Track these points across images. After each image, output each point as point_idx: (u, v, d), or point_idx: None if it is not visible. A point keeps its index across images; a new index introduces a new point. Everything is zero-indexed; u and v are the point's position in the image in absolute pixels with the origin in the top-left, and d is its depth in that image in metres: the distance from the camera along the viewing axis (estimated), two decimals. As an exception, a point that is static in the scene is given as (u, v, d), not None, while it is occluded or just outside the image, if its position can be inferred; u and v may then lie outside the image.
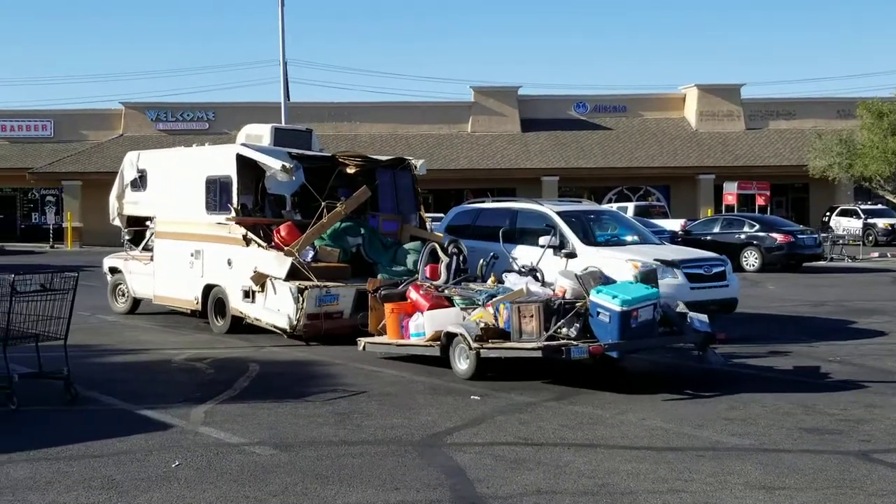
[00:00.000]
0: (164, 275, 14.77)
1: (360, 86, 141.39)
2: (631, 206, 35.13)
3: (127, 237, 16.39)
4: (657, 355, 11.44)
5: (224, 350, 12.20)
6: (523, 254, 12.88)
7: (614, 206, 25.04)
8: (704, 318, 10.16)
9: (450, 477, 6.41)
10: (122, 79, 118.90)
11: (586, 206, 17.18)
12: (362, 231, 13.76)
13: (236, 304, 13.33)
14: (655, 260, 12.66)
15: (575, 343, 9.15)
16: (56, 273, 8.97)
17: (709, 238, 25.80)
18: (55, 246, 41.26)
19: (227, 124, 46.50)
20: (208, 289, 13.89)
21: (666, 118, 48.50)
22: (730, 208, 36.48)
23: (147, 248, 15.63)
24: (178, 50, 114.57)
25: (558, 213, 13.84)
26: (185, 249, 14.20)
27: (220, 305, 13.77)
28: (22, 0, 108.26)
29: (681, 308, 10.13)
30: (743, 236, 26.07)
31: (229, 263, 13.37)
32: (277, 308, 12.60)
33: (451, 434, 7.62)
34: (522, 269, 11.24)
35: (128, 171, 15.89)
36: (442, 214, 37.61)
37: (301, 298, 12.22)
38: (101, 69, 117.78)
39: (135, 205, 15.86)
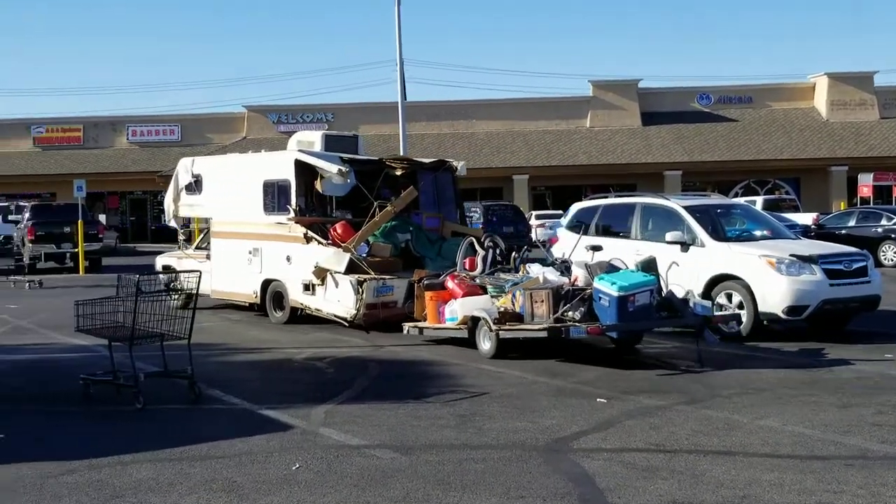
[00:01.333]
0: (222, 271, 15.66)
1: (476, 83, 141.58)
2: (759, 199, 33.83)
3: (182, 237, 17.52)
4: (792, 359, 10.83)
5: (343, 349, 12.14)
6: (647, 250, 12.41)
7: (742, 200, 24.10)
8: (707, 303, 11.19)
9: (578, 485, 6.07)
10: (245, 83, 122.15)
11: (715, 199, 16.49)
12: (410, 228, 14.79)
13: (296, 296, 14.31)
14: (791, 255, 12.00)
15: (576, 324, 10.20)
16: (180, 273, 9.03)
17: (844, 232, 24.56)
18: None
19: (345, 125, 47.09)
20: (266, 283, 14.91)
21: (795, 108, 46.70)
22: (865, 201, 34.79)
23: (199, 248, 16.76)
24: (298, 53, 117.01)
25: (685, 208, 13.27)
26: (243, 248, 15.21)
27: (279, 298, 14.78)
28: (155, 14, 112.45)
29: (690, 296, 11.05)
30: (881, 230, 24.72)
31: (288, 259, 14.40)
32: (338, 299, 13.55)
33: (577, 439, 7.27)
34: (556, 261, 12.21)
35: (182, 176, 16.72)
36: (560, 211, 37.27)
37: (361, 290, 13.17)
38: (225, 74, 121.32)
39: (190, 207, 16.91)
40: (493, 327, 10.87)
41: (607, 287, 10.20)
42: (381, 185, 15.27)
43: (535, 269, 11.72)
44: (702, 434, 7.33)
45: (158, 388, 9.12)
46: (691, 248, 12.71)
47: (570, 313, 10.42)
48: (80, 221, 27.42)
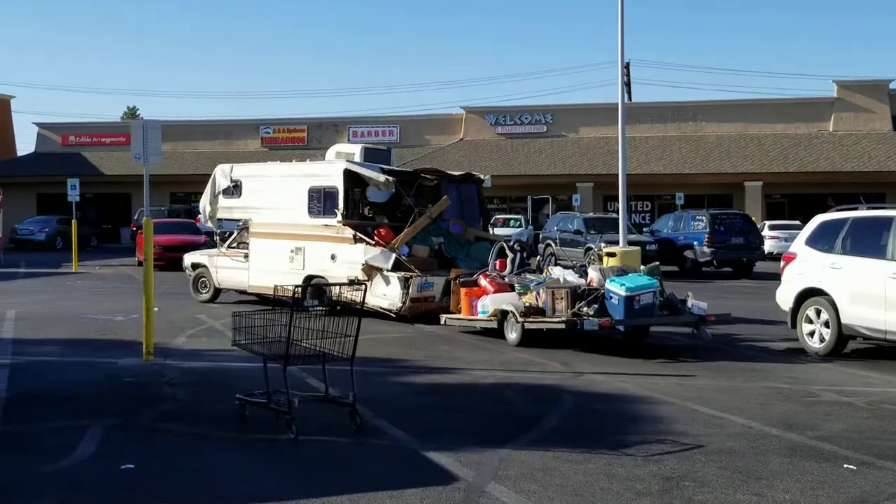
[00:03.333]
0: (261, 268, 17.03)
1: (706, 84, 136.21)
2: None
3: (219, 238, 19.18)
4: None
5: (537, 374, 10.68)
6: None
7: None
8: (704, 304, 12.71)
9: None
10: (464, 85, 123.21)
11: None
12: (442, 233, 16.54)
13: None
14: None
15: (590, 318, 11.85)
16: (342, 286, 7.92)
17: None
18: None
19: (564, 126, 45.64)
20: (309, 279, 16.07)
21: None
22: None
23: (230, 247, 18.17)
24: (517, 55, 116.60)
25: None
26: (285, 247, 16.65)
27: (320, 293, 15.40)
28: (377, 18, 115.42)
29: (688, 297, 12.69)
30: None
31: (333, 258, 15.97)
32: (384, 294, 15.21)
33: (820, 529, 5.49)
34: (573, 265, 14.48)
35: (220, 181, 18.01)
36: (797, 222, 34.08)
37: (407, 285, 14.94)
38: (445, 76, 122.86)
39: (228, 210, 18.17)
40: (520, 319, 12.55)
41: (617, 287, 11.93)
42: (413, 193, 16.77)
43: (557, 272, 13.59)
44: None
45: (319, 412, 8.06)
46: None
47: (585, 309, 12.07)
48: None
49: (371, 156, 17.40)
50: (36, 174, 47.16)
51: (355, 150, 17.57)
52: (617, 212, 28.76)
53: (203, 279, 18.72)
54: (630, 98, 50.59)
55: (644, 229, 32.24)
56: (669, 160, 42.21)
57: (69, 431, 7.66)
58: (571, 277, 13.07)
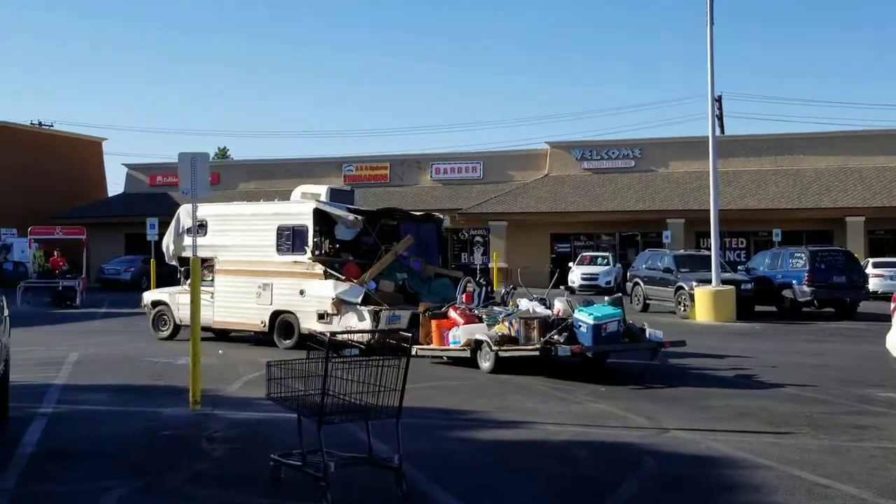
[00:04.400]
0: (226, 304, 17.54)
1: (802, 116, 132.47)
2: None
3: (183, 276, 19.39)
4: None
5: (616, 430, 9.53)
6: None
7: None
8: (660, 333, 13.94)
9: None
10: (549, 121, 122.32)
11: None
12: (405, 269, 17.25)
13: (309, 325, 16.33)
14: None
15: (563, 345, 12.75)
16: (388, 333, 6.97)
17: None
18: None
19: (653, 161, 44.26)
20: (276, 314, 16.87)
21: None
22: None
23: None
24: (604, 90, 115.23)
25: None
26: (252, 283, 17.19)
27: (287, 328, 16.91)
28: (460, 54, 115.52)
29: (643, 326, 14.03)
30: None
31: (302, 293, 16.57)
32: (353, 326, 15.59)
33: None
34: (534, 298, 14.92)
35: (184, 220, 18.52)
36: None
37: (377, 318, 15.64)
38: (529, 113, 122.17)
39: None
40: (494, 348, 13.36)
41: (585, 317, 13.00)
42: (376, 232, 17.83)
43: (524, 303, 14.57)
44: None
45: (362, 475, 7.13)
46: None
47: (556, 337, 12.99)
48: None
49: (337, 196, 18.51)
50: (124, 214, 47.80)
51: (322, 190, 18.60)
52: (709, 249, 27.35)
53: (164, 316, 19.00)
54: (722, 131, 48.90)
55: (739, 267, 30.60)
56: (765, 195, 40.36)
57: (84, 496, 6.89)
58: (539, 308, 14.22)
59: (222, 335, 18.45)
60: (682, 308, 25.41)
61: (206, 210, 18.34)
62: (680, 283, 25.97)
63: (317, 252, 16.92)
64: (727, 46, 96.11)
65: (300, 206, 17.31)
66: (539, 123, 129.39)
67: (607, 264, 38.89)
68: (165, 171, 50.76)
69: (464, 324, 14.31)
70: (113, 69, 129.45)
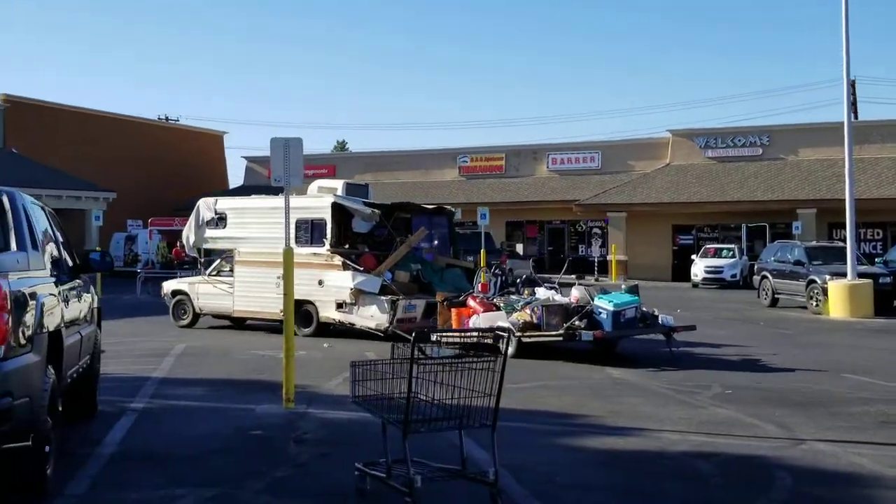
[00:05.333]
0: (246, 294, 18.10)
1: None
2: None
3: (203, 267, 20.18)
4: None
5: (744, 440, 8.51)
6: None
7: None
8: (670, 318, 14.98)
9: None
10: (670, 109, 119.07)
11: None
12: (419, 260, 17.97)
13: (328, 313, 17.31)
14: None
15: (585, 330, 13.56)
16: (482, 334, 6.21)
17: None
18: (599, 279, 40.40)
19: (782, 149, 42.17)
20: (295, 304, 17.13)
21: None
22: None
23: (211, 275, 19.38)
24: (728, 76, 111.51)
25: None
26: (271, 274, 17.05)
27: (306, 317, 17.53)
28: (581, 44, 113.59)
29: (655, 312, 14.79)
30: None
31: (320, 283, 17.20)
32: (371, 315, 16.58)
33: None
34: (548, 286, 15.94)
35: (204, 213, 19.03)
36: None
37: (394, 307, 16.31)
38: (649, 101, 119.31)
39: (213, 240, 19.28)
40: (517, 334, 13.76)
41: (605, 304, 13.69)
42: (391, 225, 18.49)
43: (542, 292, 15.39)
44: None
45: (455, 489, 6.40)
46: None
47: (577, 323, 13.61)
48: (482, 251, 26.12)
49: (352, 190, 19.11)
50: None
51: (338, 185, 19.13)
52: (844, 240, 25.55)
53: (184, 305, 19.67)
54: (856, 117, 46.25)
55: (876, 260, 28.59)
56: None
57: (152, 504, 6.37)
58: (558, 297, 15.06)
59: (239, 323, 19.32)
60: (815, 303, 23.86)
61: (225, 203, 19.41)
62: (812, 277, 24.37)
63: (335, 244, 17.50)
64: (862, 26, 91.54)
65: (318, 201, 17.95)
66: (660, 111, 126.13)
67: (732, 257, 37.14)
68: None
69: (483, 312, 14.99)
70: (234, 63, 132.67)
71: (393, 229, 18.41)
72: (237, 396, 10.85)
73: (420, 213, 19.37)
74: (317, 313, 17.46)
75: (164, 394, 11.00)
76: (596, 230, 44.24)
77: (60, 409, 8.97)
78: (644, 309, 14.50)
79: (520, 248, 43.26)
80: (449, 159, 47.97)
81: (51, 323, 6.55)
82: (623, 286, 15.69)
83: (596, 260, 41.57)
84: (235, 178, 58.36)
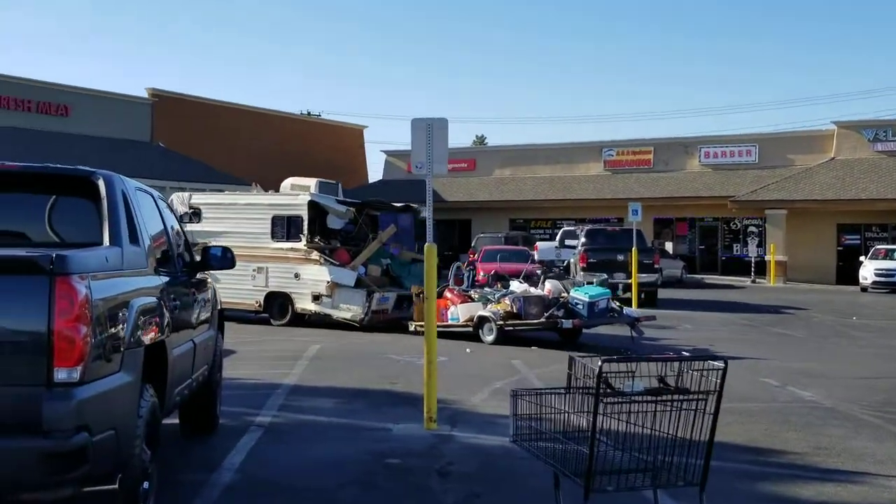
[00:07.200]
0: (221, 285, 20.13)
1: None
2: None
3: None
4: None
5: None
6: None
7: None
8: (633, 310, 17.87)
9: None
10: (834, 100, 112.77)
11: None
12: (387, 255, 19.13)
13: (304, 305, 18.38)
14: None
15: (564, 319, 15.05)
16: (689, 362, 4.70)
17: None
18: (756, 281, 37.82)
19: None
20: (271, 295, 18.74)
21: None
22: None
23: None
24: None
25: None
26: (247, 267, 18.04)
27: (282, 307, 18.72)
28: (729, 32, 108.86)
29: (618, 305, 16.08)
30: None
31: (296, 276, 18.39)
32: (347, 307, 17.76)
33: None
34: (522, 281, 17.46)
35: (178, 207, 19.37)
36: None
37: (369, 300, 17.61)
38: (811, 91, 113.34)
39: (188, 234, 18.31)
40: (499, 323, 15.35)
41: (581, 296, 15.45)
42: (360, 221, 19.95)
43: (515, 285, 16.77)
44: None
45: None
46: None
47: (556, 312, 15.16)
48: (633, 249, 24.32)
49: (324, 188, 20.29)
50: (382, 200, 47.73)
51: (311, 182, 20.50)
52: None
53: None
54: None
55: None
56: None
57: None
58: (534, 289, 16.31)
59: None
60: None
61: (200, 199, 20.14)
62: None
63: (310, 240, 18.50)
64: None
65: (295, 198, 19.16)
66: (822, 102, 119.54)
67: (905, 259, 34.01)
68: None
69: (460, 303, 16.46)
70: (371, 58, 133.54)
71: (353, 224, 19.85)
72: (371, 411, 9.62)
73: (387, 210, 20.69)
74: (292, 305, 18.57)
75: (292, 405, 9.87)
76: (752, 229, 41.49)
77: (180, 423, 8.06)
78: (612, 302, 15.96)
79: (669, 246, 40.90)
80: (593, 153, 45.95)
81: (150, 334, 5.40)
82: (595, 280, 17.57)
83: (753, 260, 38.89)
84: (375, 172, 58.02)
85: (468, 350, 14.80)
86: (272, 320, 18.72)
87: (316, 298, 18.14)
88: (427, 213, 8.99)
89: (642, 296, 24.49)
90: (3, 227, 5.82)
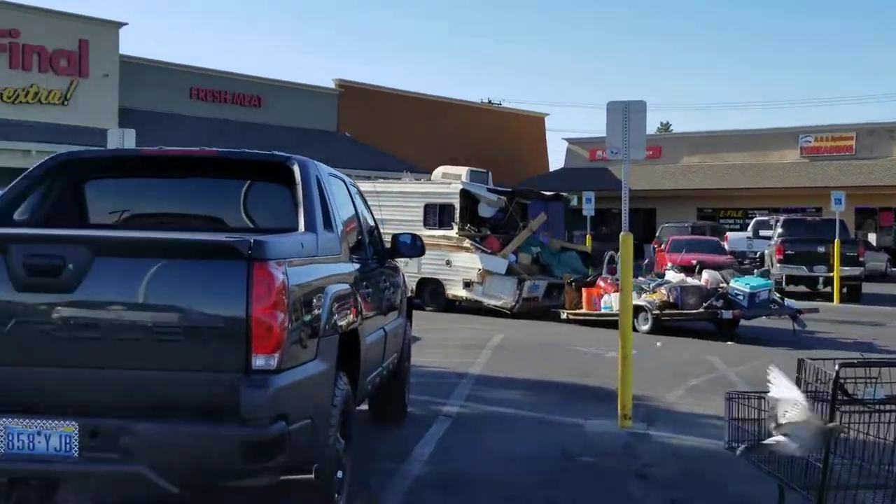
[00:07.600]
0: None
1: None
2: None
3: None
4: None
5: None
6: None
7: None
8: (794, 302, 16.57)
9: None
10: None
11: None
12: (538, 243, 19.36)
13: (455, 291, 18.70)
14: None
15: (723, 310, 14.95)
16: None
17: None
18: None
19: None
20: (423, 281, 18.90)
21: None
22: None
23: None
24: None
25: None
26: None
27: (434, 293, 18.95)
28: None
29: (782, 298, 16.03)
30: None
31: (448, 264, 18.59)
32: (498, 294, 17.99)
33: None
34: (677, 270, 17.64)
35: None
36: None
37: (521, 287, 17.76)
38: None
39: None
40: (655, 312, 15.43)
41: (742, 286, 15.29)
42: (511, 209, 20.09)
43: (671, 275, 17.03)
44: None
45: None
46: None
47: (714, 303, 15.06)
48: (836, 241, 22.85)
49: (475, 177, 20.51)
50: (563, 188, 47.20)
51: (462, 171, 20.77)
52: None
53: None
54: None
55: None
56: None
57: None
58: (689, 279, 16.26)
59: None
60: None
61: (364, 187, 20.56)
62: None
63: (461, 227, 18.74)
64: None
65: (447, 187, 19.44)
66: None
67: None
68: (605, 146, 49.37)
69: (613, 292, 15.87)
70: (556, 44, 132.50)
71: (503, 212, 19.96)
72: (561, 405, 9.29)
73: (537, 198, 20.84)
74: (444, 291, 18.86)
75: (479, 396, 9.68)
76: (967, 219, 38.39)
77: (370, 411, 8.02)
78: (776, 293, 15.86)
79: (872, 237, 38.36)
80: (789, 139, 43.64)
81: (344, 321, 5.28)
82: (755, 271, 17.81)
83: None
84: (557, 160, 57.51)
85: (658, 344, 14.22)
86: (425, 307, 18.80)
87: (467, 285, 18.39)
88: (623, 201, 8.65)
89: (844, 290, 23.01)
90: (202, 211, 5.86)
